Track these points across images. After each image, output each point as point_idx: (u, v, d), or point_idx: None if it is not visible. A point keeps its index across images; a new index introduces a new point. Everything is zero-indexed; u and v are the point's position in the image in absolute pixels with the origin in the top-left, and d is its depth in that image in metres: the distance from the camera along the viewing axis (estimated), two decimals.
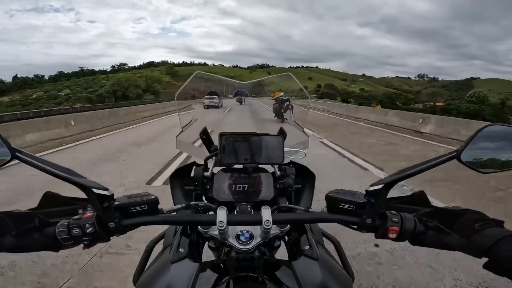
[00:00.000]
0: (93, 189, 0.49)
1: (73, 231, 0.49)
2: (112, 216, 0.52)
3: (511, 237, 0.46)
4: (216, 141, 0.80)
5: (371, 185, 0.54)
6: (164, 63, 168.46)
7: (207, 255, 0.75)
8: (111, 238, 0.54)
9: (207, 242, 0.80)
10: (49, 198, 0.57)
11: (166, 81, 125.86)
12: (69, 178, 0.47)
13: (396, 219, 0.54)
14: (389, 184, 0.51)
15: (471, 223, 0.50)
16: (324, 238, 0.82)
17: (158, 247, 0.78)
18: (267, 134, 0.78)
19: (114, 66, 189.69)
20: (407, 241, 0.55)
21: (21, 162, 0.47)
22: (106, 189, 0.51)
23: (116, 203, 0.53)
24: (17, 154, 0.46)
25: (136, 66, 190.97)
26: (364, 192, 0.57)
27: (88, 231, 0.50)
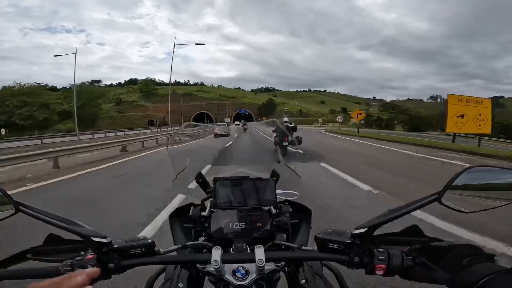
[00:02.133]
0: (92, 238, 0.53)
1: (76, 270, 0.53)
2: (111, 258, 0.56)
3: (498, 274, 0.46)
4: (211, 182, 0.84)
5: (356, 228, 0.57)
6: (146, 80, 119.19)
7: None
8: (111, 276, 0.58)
9: (207, 277, 0.82)
10: (53, 239, 0.62)
11: (131, 101, 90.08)
12: (70, 228, 0.52)
13: (383, 257, 0.56)
14: (372, 227, 0.55)
15: (459, 259, 0.51)
16: (324, 268, 0.83)
17: (160, 280, 0.80)
18: (260, 178, 0.82)
19: (85, 83, 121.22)
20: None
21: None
22: (105, 237, 0.55)
23: (115, 246, 0.57)
24: (20, 207, 0.51)
25: (114, 84, 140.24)
26: (351, 231, 0.59)
27: None
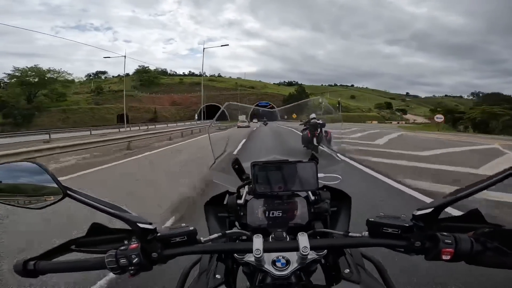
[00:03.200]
0: (138, 224, 0.53)
1: (121, 261, 0.53)
2: (155, 247, 0.56)
3: None
4: (248, 170, 0.82)
5: (418, 209, 0.53)
6: (145, 69, 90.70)
7: (241, 280, 0.74)
8: (153, 267, 0.57)
9: (241, 267, 0.80)
10: (96, 229, 0.62)
11: (117, 90, 69.74)
12: (117, 214, 0.51)
13: (450, 241, 0.52)
14: (439, 207, 0.50)
15: None
16: (364, 260, 0.78)
17: (194, 271, 0.79)
18: (300, 161, 0.78)
19: (90, 75, 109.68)
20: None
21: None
22: (150, 223, 0.55)
23: (159, 234, 0.56)
24: (68, 192, 0.51)
25: (119, 75, 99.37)
26: (409, 216, 0.55)
27: (134, 261, 0.54)
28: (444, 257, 0.52)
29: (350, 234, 0.62)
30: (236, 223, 0.82)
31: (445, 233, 0.53)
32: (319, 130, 6.19)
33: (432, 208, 0.51)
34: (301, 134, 7.46)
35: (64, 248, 0.61)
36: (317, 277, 0.73)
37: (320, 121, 7.21)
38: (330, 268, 0.73)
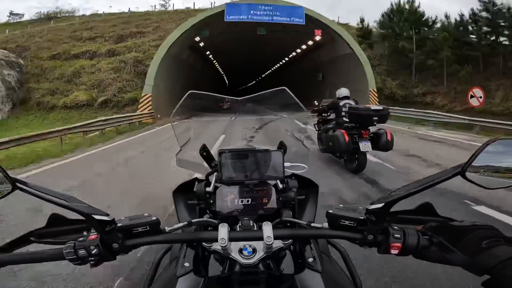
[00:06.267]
0: (93, 216, 0.51)
1: (80, 252, 0.52)
2: (115, 237, 0.54)
3: None
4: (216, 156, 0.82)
5: (372, 203, 0.55)
6: None
7: (213, 267, 0.76)
8: (116, 257, 0.57)
9: (212, 255, 0.81)
10: (56, 219, 0.61)
11: None
12: (70, 206, 0.49)
13: (399, 235, 0.54)
14: (389, 203, 0.52)
15: (479, 241, 0.49)
16: (330, 248, 0.82)
17: (166, 259, 0.79)
18: (267, 150, 0.80)
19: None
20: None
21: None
22: (107, 215, 0.53)
23: (118, 225, 0.55)
24: (17, 185, 0.48)
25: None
26: (366, 207, 0.57)
27: (93, 252, 0.52)
28: (393, 251, 0.54)
29: (312, 225, 0.64)
30: (207, 211, 0.82)
31: (395, 227, 0.55)
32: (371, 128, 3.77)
33: (383, 204, 0.52)
34: (318, 131, 4.84)
35: (23, 240, 0.60)
36: (286, 264, 0.76)
37: (381, 107, 3.71)
38: (296, 256, 0.75)
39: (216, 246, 0.65)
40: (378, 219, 0.54)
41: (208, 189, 0.81)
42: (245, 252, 0.63)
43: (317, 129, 5.21)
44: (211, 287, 0.60)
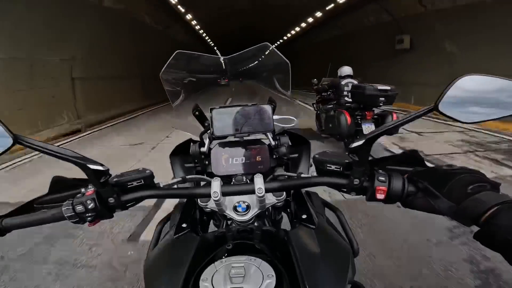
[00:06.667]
0: (89, 165, 0.53)
1: (77, 208, 0.54)
2: (110, 191, 0.57)
3: (504, 205, 0.42)
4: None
5: (353, 142, 0.55)
6: None
7: (211, 229, 0.78)
8: (113, 214, 0.59)
9: (212, 220, 0.83)
10: (57, 182, 0.63)
11: None
12: (66, 157, 0.51)
13: (383, 178, 0.54)
14: (370, 139, 0.52)
15: (463, 186, 0.47)
16: (326, 209, 0.83)
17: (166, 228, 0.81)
18: (256, 104, 0.83)
19: None
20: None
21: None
22: (102, 165, 0.55)
23: (114, 179, 0.57)
24: (18, 139, 0.51)
25: None
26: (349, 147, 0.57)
27: (89, 207, 0.55)
28: (378, 196, 0.54)
29: (301, 175, 0.66)
30: (204, 173, 0.85)
31: (381, 171, 0.56)
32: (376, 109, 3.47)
33: (364, 141, 0.52)
34: (317, 111, 4.56)
35: (26, 208, 0.62)
36: (284, 226, 0.77)
37: (381, 86, 3.29)
38: (292, 215, 0.78)
39: (212, 204, 0.67)
40: (361, 158, 0.54)
41: (202, 149, 0.83)
42: (239, 209, 0.65)
43: (316, 109, 4.96)
44: (206, 244, 0.62)
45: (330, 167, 0.59)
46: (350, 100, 3.90)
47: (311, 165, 0.86)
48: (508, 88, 0.54)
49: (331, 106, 4.24)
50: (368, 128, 3.58)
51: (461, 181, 0.49)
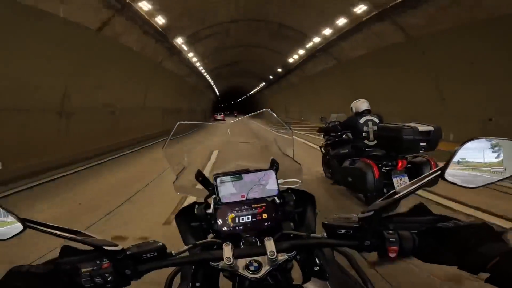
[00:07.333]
0: (104, 247, 0.55)
1: (96, 280, 0.56)
2: (126, 264, 0.58)
3: (507, 254, 0.46)
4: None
5: (362, 212, 0.58)
6: None
7: (223, 284, 0.78)
8: (130, 282, 0.60)
9: (222, 273, 0.84)
10: (67, 250, 0.62)
11: None
12: (81, 240, 0.53)
13: (394, 239, 0.56)
14: (378, 210, 0.55)
15: (468, 240, 0.51)
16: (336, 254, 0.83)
17: (177, 280, 0.81)
18: (260, 170, 0.84)
19: None
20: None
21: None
22: (116, 245, 0.57)
23: (128, 252, 0.59)
24: (27, 224, 0.52)
25: None
26: (358, 216, 0.60)
27: (109, 279, 0.56)
28: (391, 255, 0.56)
29: (312, 235, 0.67)
30: (211, 231, 0.85)
31: (390, 231, 0.58)
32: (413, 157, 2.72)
33: (372, 212, 0.55)
34: (326, 156, 3.80)
35: (37, 268, 0.60)
36: (295, 274, 0.78)
37: (423, 127, 2.47)
38: (303, 265, 0.77)
39: (223, 264, 0.68)
40: (371, 226, 0.57)
41: (208, 211, 0.84)
42: (251, 268, 0.65)
43: (325, 153, 4.10)
44: None
45: (341, 231, 0.60)
46: (372, 143, 3.16)
47: (316, 214, 0.87)
48: None
49: (345, 151, 3.39)
50: (400, 181, 2.74)
51: (464, 235, 0.52)
